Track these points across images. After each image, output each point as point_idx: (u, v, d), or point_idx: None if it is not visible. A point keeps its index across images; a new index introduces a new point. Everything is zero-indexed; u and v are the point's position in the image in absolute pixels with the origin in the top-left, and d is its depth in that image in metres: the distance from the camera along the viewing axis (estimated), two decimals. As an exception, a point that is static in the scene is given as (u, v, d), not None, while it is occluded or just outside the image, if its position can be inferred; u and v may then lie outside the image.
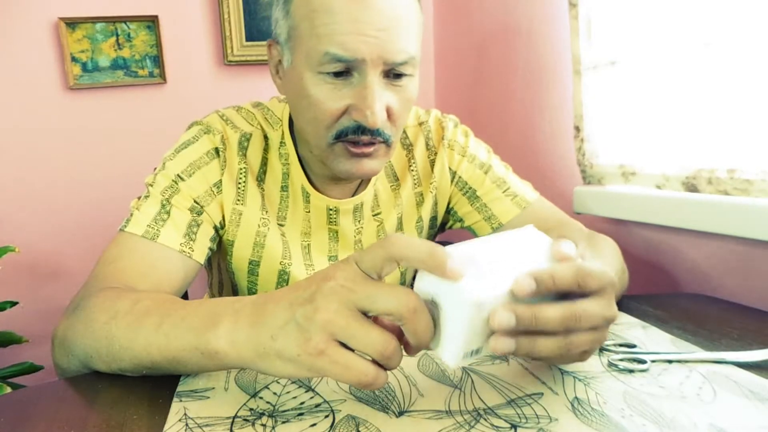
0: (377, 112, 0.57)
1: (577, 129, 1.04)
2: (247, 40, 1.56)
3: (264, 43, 1.57)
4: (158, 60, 1.52)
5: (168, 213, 0.63)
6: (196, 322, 0.43)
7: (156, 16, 1.50)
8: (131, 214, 0.64)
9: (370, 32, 0.55)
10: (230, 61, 1.57)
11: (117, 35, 1.49)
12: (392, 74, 0.59)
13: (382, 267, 0.36)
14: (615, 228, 0.99)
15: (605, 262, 0.64)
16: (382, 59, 0.56)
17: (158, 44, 1.51)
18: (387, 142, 0.62)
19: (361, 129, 0.59)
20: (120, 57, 1.50)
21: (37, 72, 1.45)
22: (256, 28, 1.56)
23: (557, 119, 1.16)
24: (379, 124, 0.58)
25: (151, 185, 0.66)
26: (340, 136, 0.60)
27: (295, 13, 0.58)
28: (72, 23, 1.44)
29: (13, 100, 1.44)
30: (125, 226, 0.63)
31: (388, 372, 0.43)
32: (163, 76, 1.53)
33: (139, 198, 0.66)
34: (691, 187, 0.81)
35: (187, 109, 1.57)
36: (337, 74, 0.58)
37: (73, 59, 1.46)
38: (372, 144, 0.61)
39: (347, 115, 0.59)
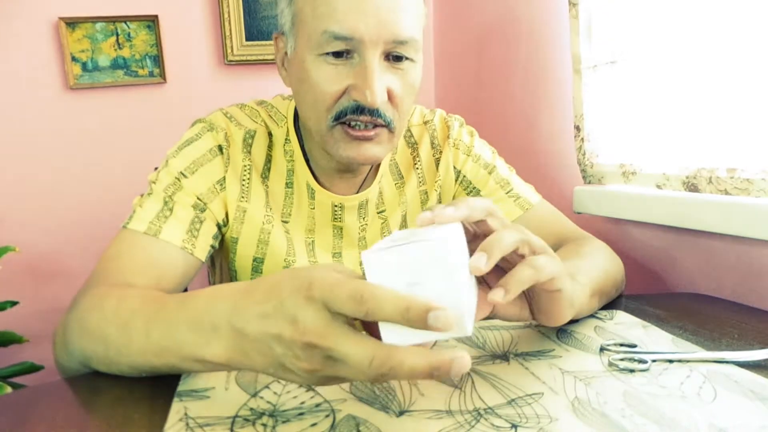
0: (376, 90, 0.57)
1: (577, 128, 1.04)
2: (247, 39, 1.56)
3: (264, 42, 1.57)
4: (158, 60, 1.52)
5: (170, 210, 0.63)
6: (183, 334, 0.42)
7: (156, 16, 1.50)
8: (134, 211, 0.64)
9: (371, 10, 0.55)
10: (230, 61, 1.56)
11: (117, 35, 1.49)
12: (393, 57, 0.59)
13: (352, 314, 0.34)
14: (615, 228, 0.99)
15: (588, 261, 0.63)
16: (381, 38, 0.56)
17: (158, 44, 1.51)
18: (389, 126, 0.61)
19: (360, 109, 0.59)
20: (120, 57, 1.50)
21: (37, 72, 1.45)
22: (256, 28, 1.56)
23: (557, 119, 1.16)
24: (378, 104, 0.57)
25: (154, 182, 0.66)
26: (339, 117, 0.60)
27: None
28: (72, 23, 1.44)
29: (13, 100, 1.44)
30: (127, 223, 0.63)
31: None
32: (163, 75, 1.53)
33: (142, 195, 0.66)
34: (692, 187, 0.81)
35: (187, 108, 1.57)
36: (338, 55, 0.58)
37: (73, 59, 1.46)
38: (374, 126, 0.60)
39: (347, 95, 0.59)
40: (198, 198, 0.65)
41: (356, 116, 0.59)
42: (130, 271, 0.58)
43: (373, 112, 0.59)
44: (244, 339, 0.37)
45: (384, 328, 0.35)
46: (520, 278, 0.41)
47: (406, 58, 0.59)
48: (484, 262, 0.38)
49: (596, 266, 0.62)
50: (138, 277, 0.58)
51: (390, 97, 0.60)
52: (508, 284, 0.40)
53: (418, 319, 0.32)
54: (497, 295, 0.39)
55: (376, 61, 0.57)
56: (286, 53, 0.65)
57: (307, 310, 0.34)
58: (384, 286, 0.34)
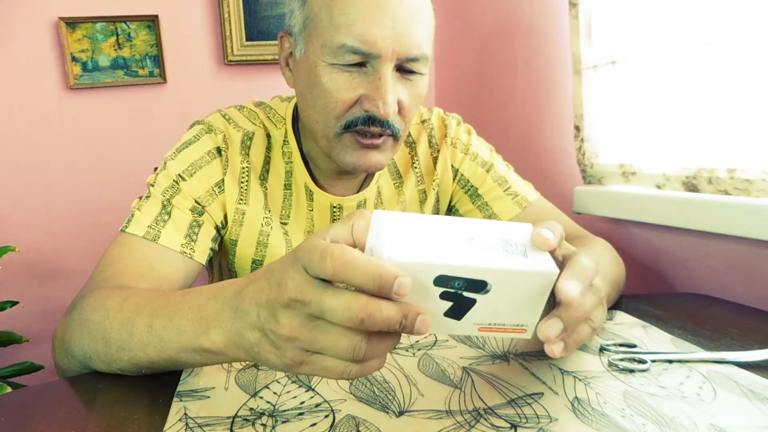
0: (389, 102, 0.57)
1: (577, 129, 1.04)
2: (248, 39, 1.56)
3: (264, 43, 1.57)
4: (158, 60, 1.52)
5: (169, 214, 0.63)
6: (184, 324, 0.42)
7: (156, 16, 1.50)
8: (132, 215, 0.64)
9: (388, 24, 0.56)
10: (230, 61, 1.56)
11: (117, 35, 1.49)
12: (404, 69, 0.60)
13: (321, 273, 0.33)
14: (615, 228, 0.99)
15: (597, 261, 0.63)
16: (396, 53, 0.57)
17: (158, 44, 1.51)
18: (395, 136, 0.62)
19: (371, 120, 0.59)
20: (120, 57, 1.50)
21: (37, 72, 1.45)
22: (257, 28, 1.56)
23: (557, 119, 1.16)
24: (390, 116, 0.58)
25: (152, 185, 0.66)
26: (349, 127, 0.60)
27: (314, 3, 0.59)
28: (72, 23, 1.44)
29: (13, 100, 1.44)
30: (126, 227, 0.62)
31: (390, 371, 0.42)
32: (163, 75, 1.53)
33: (140, 198, 0.66)
34: (692, 187, 0.81)
35: (187, 109, 1.57)
36: (351, 64, 0.58)
37: (74, 59, 1.46)
38: (380, 136, 0.61)
39: (358, 105, 0.60)
40: (196, 201, 0.65)
41: (367, 127, 0.60)
42: (129, 275, 0.58)
43: (384, 123, 0.60)
44: (240, 317, 0.37)
45: None
46: (581, 338, 0.41)
47: (416, 72, 0.60)
48: (577, 292, 0.37)
49: (603, 275, 0.62)
50: (138, 281, 0.58)
51: (399, 107, 0.61)
52: (569, 343, 0.40)
53: (387, 286, 0.31)
54: (558, 349, 0.40)
55: (390, 73, 0.58)
56: (291, 54, 0.65)
57: (290, 273, 0.34)
58: (357, 251, 0.33)
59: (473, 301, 0.35)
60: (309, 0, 0.60)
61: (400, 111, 0.61)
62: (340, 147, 0.62)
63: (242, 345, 0.38)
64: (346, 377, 0.35)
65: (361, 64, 0.58)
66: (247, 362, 0.51)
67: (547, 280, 0.36)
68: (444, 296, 0.34)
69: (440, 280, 0.33)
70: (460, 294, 0.34)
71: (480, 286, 0.35)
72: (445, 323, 0.36)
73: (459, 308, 0.35)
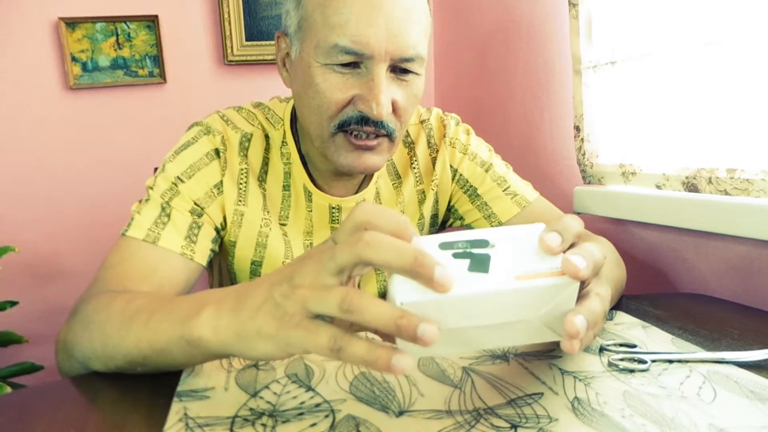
0: (383, 103, 0.57)
1: (577, 129, 1.04)
2: (247, 39, 1.56)
3: (264, 43, 1.57)
4: (158, 60, 1.52)
5: (168, 216, 0.63)
6: (181, 313, 0.43)
7: (156, 16, 1.50)
8: (132, 218, 0.64)
9: (382, 24, 0.56)
10: (230, 61, 1.57)
11: (117, 35, 1.49)
12: (399, 69, 0.59)
13: (359, 223, 0.36)
14: (615, 228, 0.99)
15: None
16: (390, 54, 0.57)
17: (158, 44, 1.51)
18: (390, 136, 0.62)
19: (364, 120, 0.59)
20: (120, 57, 1.50)
21: (37, 72, 1.45)
22: (256, 28, 1.56)
23: (557, 119, 1.16)
24: (383, 116, 0.58)
25: (152, 188, 0.65)
26: (342, 126, 0.60)
27: (308, 3, 0.59)
28: (72, 23, 1.44)
29: (13, 100, 1.44)
30: (126, 231, 0.62)
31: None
32: (163, 76, 1.53)
33: (140, 201, 0.66)
34: (692, 187, 0.81)
35: (187, 109, 1.57)
36: (345, 65, 0.58)
37: (73, 59, 1.46)
38: (375, 137, 0.61)
39: (352, 105, 0.60)
40: (195, 203, 0.65)
41: (360, 126, 0.60)
42: (131, 278, 0.58)
43: (377, 124, 0.59)
44: (245, 291, 0.39)
45: (397, 284, 0.34)
46: (596, 332, 0.41)
47: (412, 72, 0.60)
48: (558, 243, 0.36)
49: (608, 278, 0.62)
50: (139, 283, 0.58)
51: (394, 108, 0.60)
52: (583, 340, 0.39)
53: (407, 234, 0.35)
54: (575, 347, 0.37)
55: (384, 74, 0.58)
56: (288, 54, 0.65)
57: (318, 246, 0.38)
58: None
59: (487, 255, 0.36)
60: (304, 0, 0.60)
61: (395, 111, 0.61)
62: (334, 147, 0.62)
63: (235, 319, 0.38)
64: (332, 348, 0.34)
65: (354, 65, 0.58)
66: (240, 360, 0.51)
67: (538, 228, 0.38)
68: (457, 256, 0.36)
69: (444, 246, 0.36)
70: (469, 252, 0.36)
71: (483, 243, 0.36)
72: (478, 280, 0.35)
73: (479, 261, 0.35)
